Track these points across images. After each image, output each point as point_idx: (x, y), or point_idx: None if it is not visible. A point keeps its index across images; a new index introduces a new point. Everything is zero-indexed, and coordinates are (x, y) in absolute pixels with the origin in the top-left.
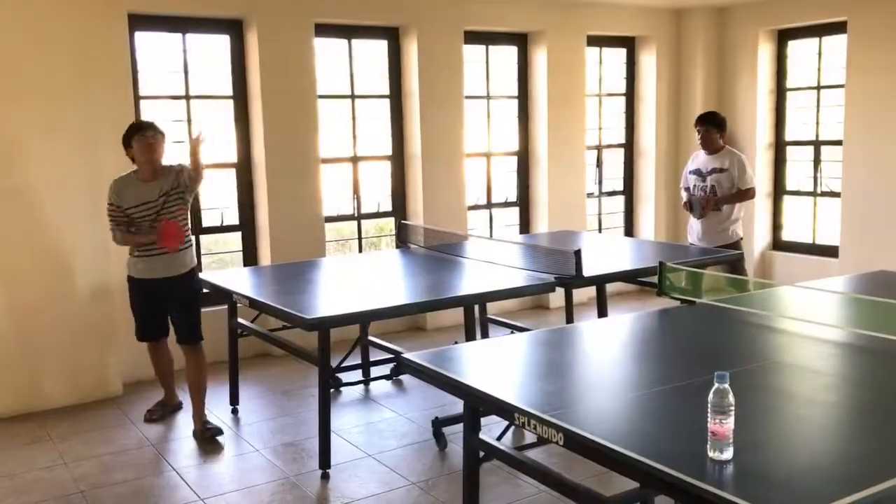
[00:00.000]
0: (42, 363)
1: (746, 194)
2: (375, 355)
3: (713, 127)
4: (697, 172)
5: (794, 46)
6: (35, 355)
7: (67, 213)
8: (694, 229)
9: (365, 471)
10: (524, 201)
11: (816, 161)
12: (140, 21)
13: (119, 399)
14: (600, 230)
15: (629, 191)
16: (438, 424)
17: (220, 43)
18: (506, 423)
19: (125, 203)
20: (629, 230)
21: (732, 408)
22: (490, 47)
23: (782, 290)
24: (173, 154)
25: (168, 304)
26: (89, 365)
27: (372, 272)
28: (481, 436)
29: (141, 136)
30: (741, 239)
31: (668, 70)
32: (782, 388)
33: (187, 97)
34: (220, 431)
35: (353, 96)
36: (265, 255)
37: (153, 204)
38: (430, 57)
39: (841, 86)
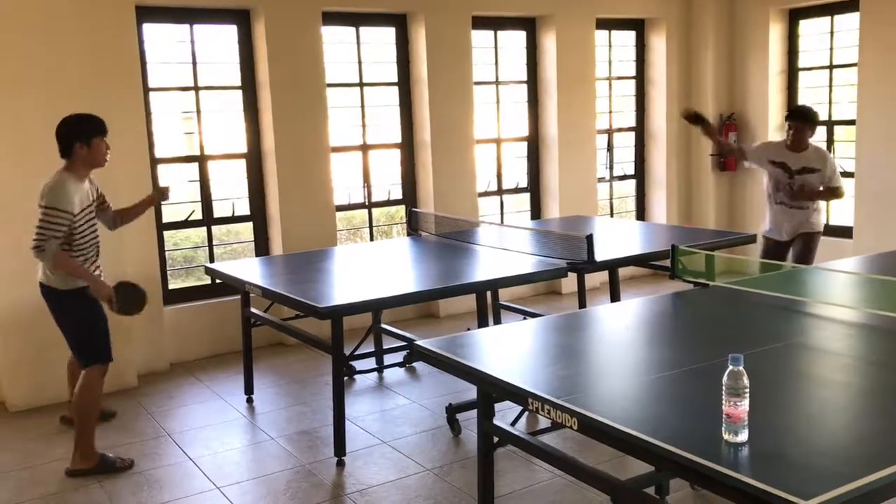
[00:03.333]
0: (58, 356)
1: (836, 193)
2: (388, 343)
3: (808, 126)
4: (783, 167)
5: (805, 26)
6: (51, 348)
7: None
8: (774, 222)
9: (380, 458)
10: (535, 187)
11: (829, 141)
12: (147, 13)
13: (134, 390)
14: (612, 215)
15: (640, 175)
16: (452, 411)
17: (228, 33)
18: (519, 408)
19: (77, 208)
20: (641, 214)
21: (747, 390)
22: (498, 32)
23: (796, 271)
24: (179, 145)
25: None
26: None
27: (383, 260)
28: (495, 421)
29: (104, 138)
30: (819, 232)
31: (679, 52)
32: (797, 370)
33: (196, 88)
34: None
35: (361, 84)
36: (277, 245)
37: (91, 207)
38: (438, 43)
39: (854, 65)
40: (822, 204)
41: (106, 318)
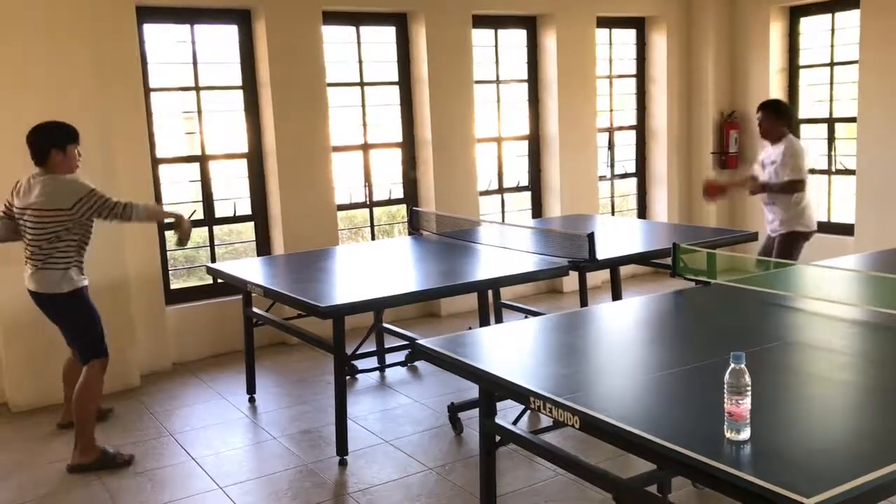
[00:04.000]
0: (60, 357)
1: (787, 186)
2: (390, 342)
3: (771, 113)
4: (762, 163)
5: (806, 23)
6: (53, 349)
7: None
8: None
9: (382, 457)
10: (536, 185)
11: (830, 139)
12: (148, 13)
13: (137, 390)
14: (613, 213)
15: (641, 173)
16: (454, 410)
17: (229, 33)
18: (521, 407)
19: None
20: (642, 212)
21: (749, 388)
22: (499, 31)
23: (798, 269)
24: (181, 145)
25: None
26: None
27: (385, 259)
28: (497, 420)
29: (77, 145)
30: (795, 232)
31: (679, 50)
32: (799, 368)
33: (197, 88)
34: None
35: (362, 84)
36: (278, 245)
37: None
38: (438, 42)
39: (855, 62)
40: (801, 203)
41: (98, 314)
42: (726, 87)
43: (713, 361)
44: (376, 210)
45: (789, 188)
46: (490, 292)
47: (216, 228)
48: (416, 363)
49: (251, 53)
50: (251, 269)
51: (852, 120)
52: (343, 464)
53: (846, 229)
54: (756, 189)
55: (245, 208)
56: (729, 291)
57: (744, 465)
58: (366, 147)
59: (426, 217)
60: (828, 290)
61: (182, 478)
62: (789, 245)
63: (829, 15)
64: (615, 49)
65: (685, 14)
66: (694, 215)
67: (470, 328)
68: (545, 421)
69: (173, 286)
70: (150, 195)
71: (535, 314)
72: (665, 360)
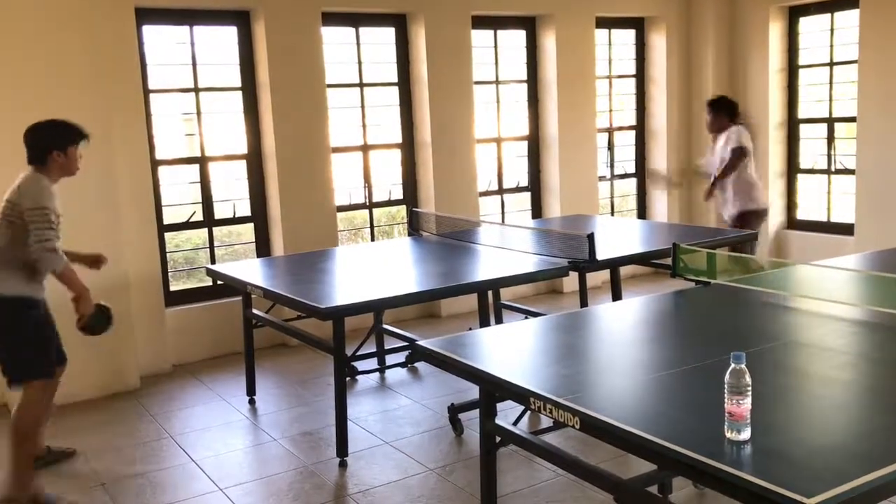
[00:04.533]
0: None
1: (733, 158)
2: (390, 343)
3: (711, 108)
4: (715, 156)
5: (805, 23)
6: None
7: (79, 207)
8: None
9: (382, 458)
10: (536, 186)
11: (830, 138)
12: (147, 14)
13: (137, 392)
14: (613, 213)
15: (641, 173)
16: (454, 411)
17: (228, 34)
18: (521, 407)
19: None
20: (642, 213)
21: (749, 388)
22: (498, 32)
23: (798, 269)
24: (180, 146)
25: None
26: (107, 359)
27: (385, 260)
28: (497, 421)
29: (79, 146)
30: (747, 211)
31: (679, 50)
32: (799, 368)
33: (196, 90)
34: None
35: (361, 84)
36: (278, 246)
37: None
38: (438, 43)
39: (854, 62)
40: (748, 181)
41: (52, 325)
42: (726, 87)
43: (713, 361)
44: (376, 211)
45: (735, 159)
46: (490, 293)
47: (216, 230)
48: (417, 364)
49: (250, 55)
50: (251, 271)
51: (852, 120)
52: (343, 465)
53: (846, 229)
54: (709, 193)
55: (245, 210)
56: (729, 291)
57: (744, 465)
58: (365, 148)
59: (426, 218)
60: (828, 289)
61: (182, 479)
62: (745, 226)
63: (829, 15)
64: (615, 49)
65: (685, 14)
66: (694, 215)
67: (470, 329)
68: (545, 421)
69: (173, 288)
70: (149, 197)
71: (535, 315)
72: (665, 360)
